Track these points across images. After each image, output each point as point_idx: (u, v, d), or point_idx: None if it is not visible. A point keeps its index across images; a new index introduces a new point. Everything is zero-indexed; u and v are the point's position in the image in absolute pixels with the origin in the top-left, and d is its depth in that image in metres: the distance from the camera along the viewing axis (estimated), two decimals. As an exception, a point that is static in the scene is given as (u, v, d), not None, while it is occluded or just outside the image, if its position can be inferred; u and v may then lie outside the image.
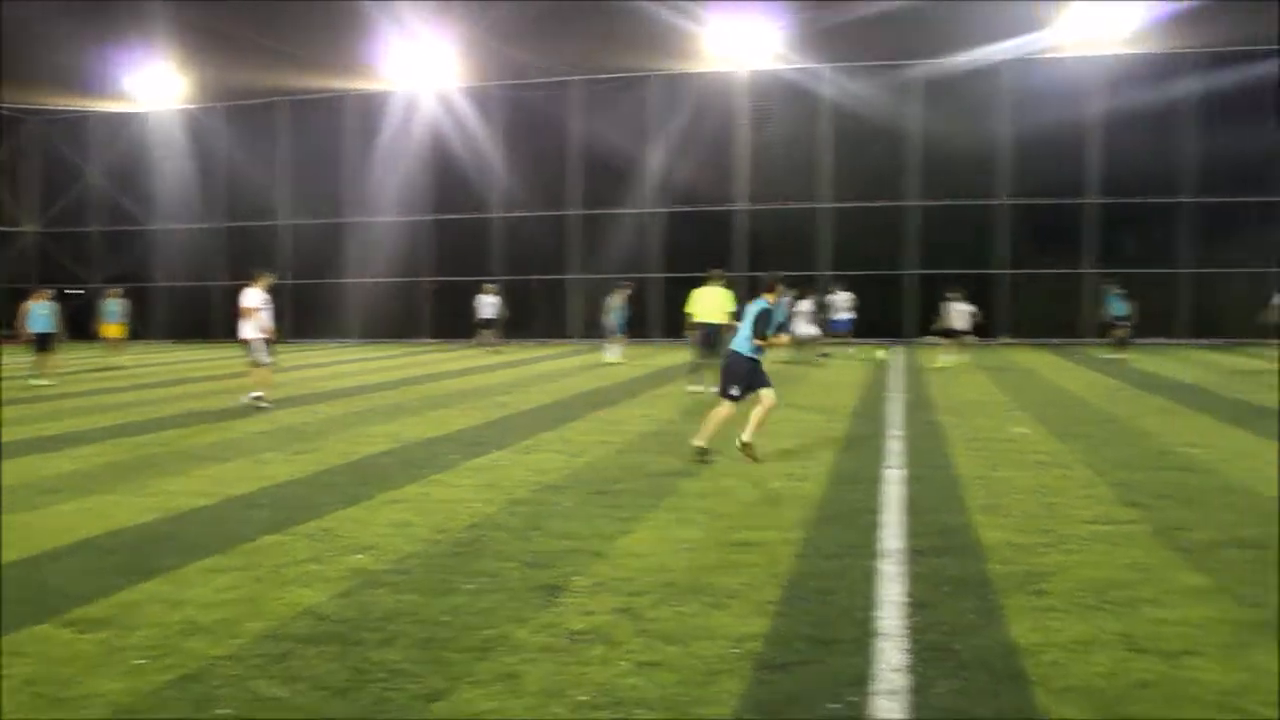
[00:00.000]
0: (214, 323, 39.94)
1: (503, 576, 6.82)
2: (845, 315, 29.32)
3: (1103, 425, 14.39)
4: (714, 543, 7.73)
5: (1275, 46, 32.84)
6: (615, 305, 27.21)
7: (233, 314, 18.55)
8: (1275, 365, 22.72)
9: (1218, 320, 34.44)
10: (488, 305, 33.06)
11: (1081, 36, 33.46)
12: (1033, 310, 35.64)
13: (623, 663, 5.29)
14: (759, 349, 11.43)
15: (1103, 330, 29.51)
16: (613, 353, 26.78)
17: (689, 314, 18.75)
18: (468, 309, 33.42)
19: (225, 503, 9.37)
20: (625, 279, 30.30)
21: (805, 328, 26.17)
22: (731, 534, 8.01)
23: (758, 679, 5.08)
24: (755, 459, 11.19)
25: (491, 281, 34.70)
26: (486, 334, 32.68)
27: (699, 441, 11.44)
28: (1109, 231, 35.41)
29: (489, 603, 6.26)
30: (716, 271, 18.72)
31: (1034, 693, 4.89)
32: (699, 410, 15.95)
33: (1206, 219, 34.82)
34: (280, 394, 18.32)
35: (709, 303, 18.26)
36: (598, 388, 20.11)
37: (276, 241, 41.21)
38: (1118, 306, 27.91)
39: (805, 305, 26.55)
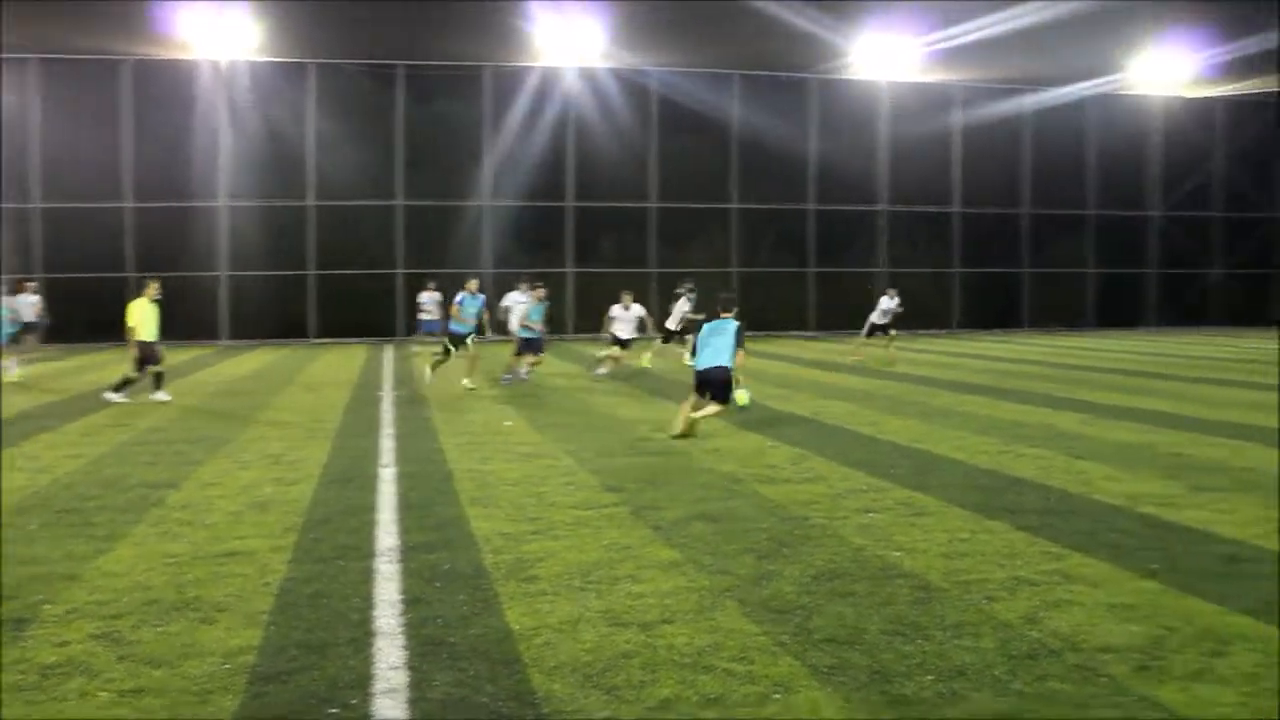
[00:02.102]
0: None
1: (-44, 612, 6.12)
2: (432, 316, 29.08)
3: (583, 415, 15.22)
4: (200, 555, 7.37)
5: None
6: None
7: None
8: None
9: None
10: (28, 307, 29.22)
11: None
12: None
13: (104, 694, 4.92)
14: None
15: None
16: (9, 369, 21.76)
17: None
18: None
19: None
20: (25, 277, 27.10)
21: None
22: (219, 544, 7.68)
23: (253, 693, 4.91)
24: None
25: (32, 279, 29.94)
26: (28, 339, 28.71)
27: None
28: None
29: (-60, 643, 5.60)
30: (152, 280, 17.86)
31: (529, 674, 5.09)
32: (185, 418, 15.18)
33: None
34: None
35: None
36: (72, 396, 18.52)
37: None
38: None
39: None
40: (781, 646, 5.46)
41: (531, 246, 37.58)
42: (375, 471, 10.71)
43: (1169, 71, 38.83)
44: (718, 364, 12.56)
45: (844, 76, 39.08)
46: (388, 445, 12.52)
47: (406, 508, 8.92)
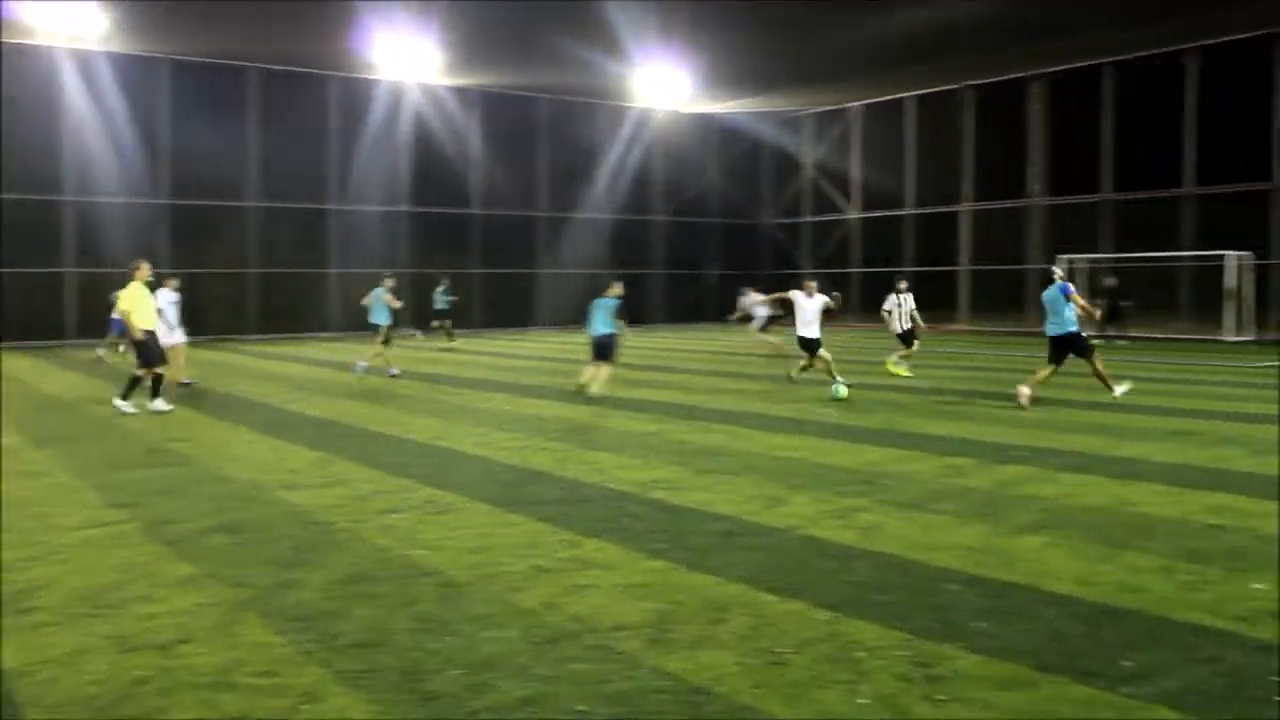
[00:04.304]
0: None
1: None
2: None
3: (89, 427, 14.13)
4: None
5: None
6: None
7: None
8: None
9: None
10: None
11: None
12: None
13: None
14: None
15: None
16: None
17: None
18: None
19: None
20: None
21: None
22: None
23: None
24: None
25: None
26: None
27: None
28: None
29: None
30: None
31: (24, 716, 4.67)
32: None
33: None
34: None
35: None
36: None
37: None
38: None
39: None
40: (308, 655, 5.36)
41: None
42: None
43: (669, 87, 41.47)
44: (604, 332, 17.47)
45: (363, 76, 38.71)
46: None
47: None
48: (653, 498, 9.23)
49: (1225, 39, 33.24)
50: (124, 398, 15.55)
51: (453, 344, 31.99)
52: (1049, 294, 15.77)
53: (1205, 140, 34.51)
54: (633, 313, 41.37)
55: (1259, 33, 32.36)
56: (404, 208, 40.58)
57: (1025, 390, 15.38)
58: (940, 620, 5.82)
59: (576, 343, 32.14)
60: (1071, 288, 15.69)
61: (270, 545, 7.60)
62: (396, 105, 39.96)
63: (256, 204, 37.51)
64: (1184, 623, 5.75)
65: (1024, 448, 11.75)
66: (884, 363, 21.52)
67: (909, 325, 21.30)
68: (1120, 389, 15.69)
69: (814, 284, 18.89)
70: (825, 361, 18.16)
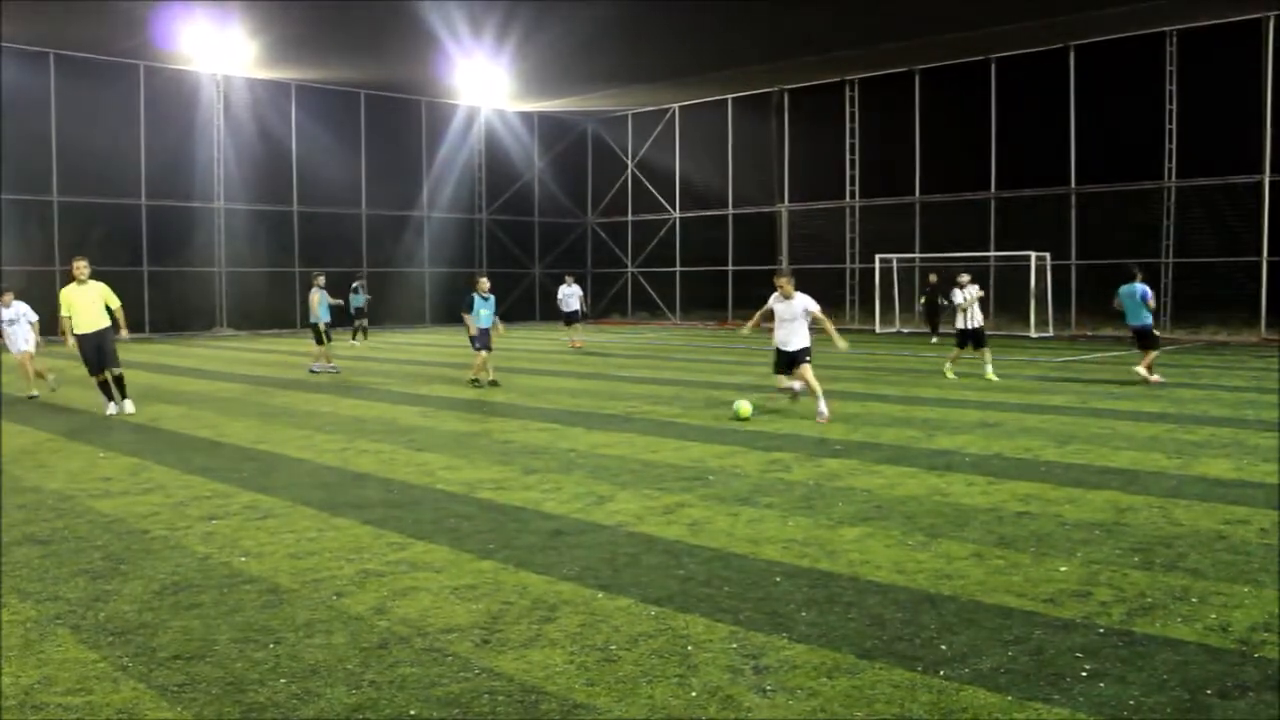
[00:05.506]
0: None
1: None
2: None
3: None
4: None
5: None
6: None
7: None
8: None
9: None
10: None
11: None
12: None
13: None
14: None
15: None
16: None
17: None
18: None
19: None
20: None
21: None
22: None
23: None
24: None
25: None
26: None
27: None
28: None
29: None
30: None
31: None
32: None
33: None
34: None
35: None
36: None
37: None
38: None
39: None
40: (124, 671, 5.16)
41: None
42: None
43: (492, 84, 41.10)
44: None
45: (174, 67, 37.26)
46: None
47: None
48: (480, 498, 9.19)
49: (1023, 50, 34.76)
50: (110, 400, 15.35)
51: (361, 343, 32.38)
52: (1126, 290, 18.58)
53: (1007, 146, 36.06)
54: (458, 312, 40.84)
55: (1055, 46, 33.99)
56: (220, 204, 39.16)
57: (1142, 371, 18.47)
58: (766, 612, 5.95)
59: (398, 343, 31.70)
60: (1150, 292, 18.47)
61: (82, 556, 7.29)
62: (211, 99, 38.59)
63: (62, 198, 35.64)
64: (995, 606, 6.02)
65: (843, 442, 12.10)
66: (942, 370, 20.43)
67: (976, 324, 19.56)
68: (1156, 377, 18.35)
69: (788, 280, 14.71)
70: (806, 382, 14.46)
